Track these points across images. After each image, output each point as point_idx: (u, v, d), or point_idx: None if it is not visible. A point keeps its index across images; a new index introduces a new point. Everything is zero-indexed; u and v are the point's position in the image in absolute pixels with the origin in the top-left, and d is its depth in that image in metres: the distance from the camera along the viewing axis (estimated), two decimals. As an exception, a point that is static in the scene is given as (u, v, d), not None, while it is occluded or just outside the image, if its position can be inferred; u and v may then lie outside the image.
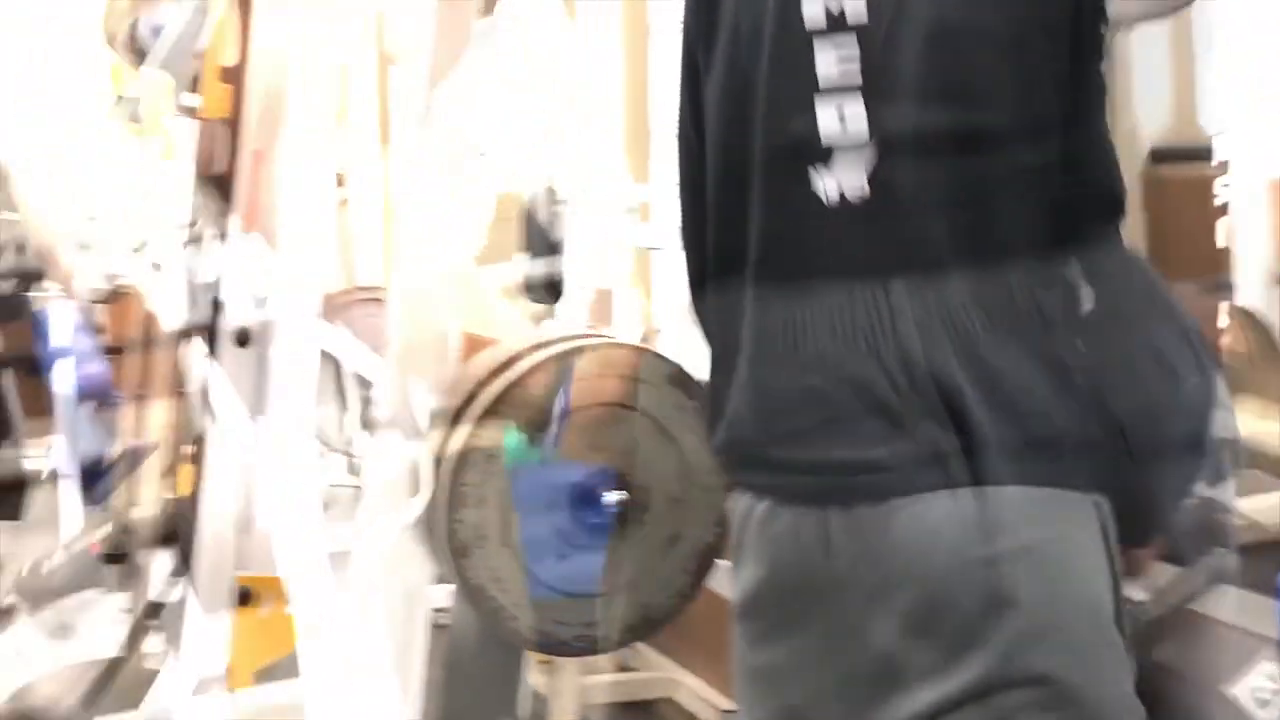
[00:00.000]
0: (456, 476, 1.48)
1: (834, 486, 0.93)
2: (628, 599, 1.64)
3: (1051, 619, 0.88)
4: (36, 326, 3.56)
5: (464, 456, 1.48)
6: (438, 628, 2.61)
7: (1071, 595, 0.89)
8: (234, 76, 1.54)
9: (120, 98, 1.71)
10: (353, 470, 2.86)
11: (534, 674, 2.53)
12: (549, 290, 2.36)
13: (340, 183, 4.80)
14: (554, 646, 1.63)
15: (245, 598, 1.67)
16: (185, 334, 1.64)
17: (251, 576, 1.75)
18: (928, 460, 0.88)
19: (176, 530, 1.70)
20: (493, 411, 1.49)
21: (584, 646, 1.64)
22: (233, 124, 1.54)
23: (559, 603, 1.61)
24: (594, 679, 2.71)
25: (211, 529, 1.62)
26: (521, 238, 2.48)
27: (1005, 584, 0.87)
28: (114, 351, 4.50)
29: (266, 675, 1.87)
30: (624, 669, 2.86)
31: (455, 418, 1.52)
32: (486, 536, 1.51)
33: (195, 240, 1.62)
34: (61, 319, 3.60)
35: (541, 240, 2.38)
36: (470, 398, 1.53)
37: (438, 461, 1.51)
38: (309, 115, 2.71)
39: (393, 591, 1.69)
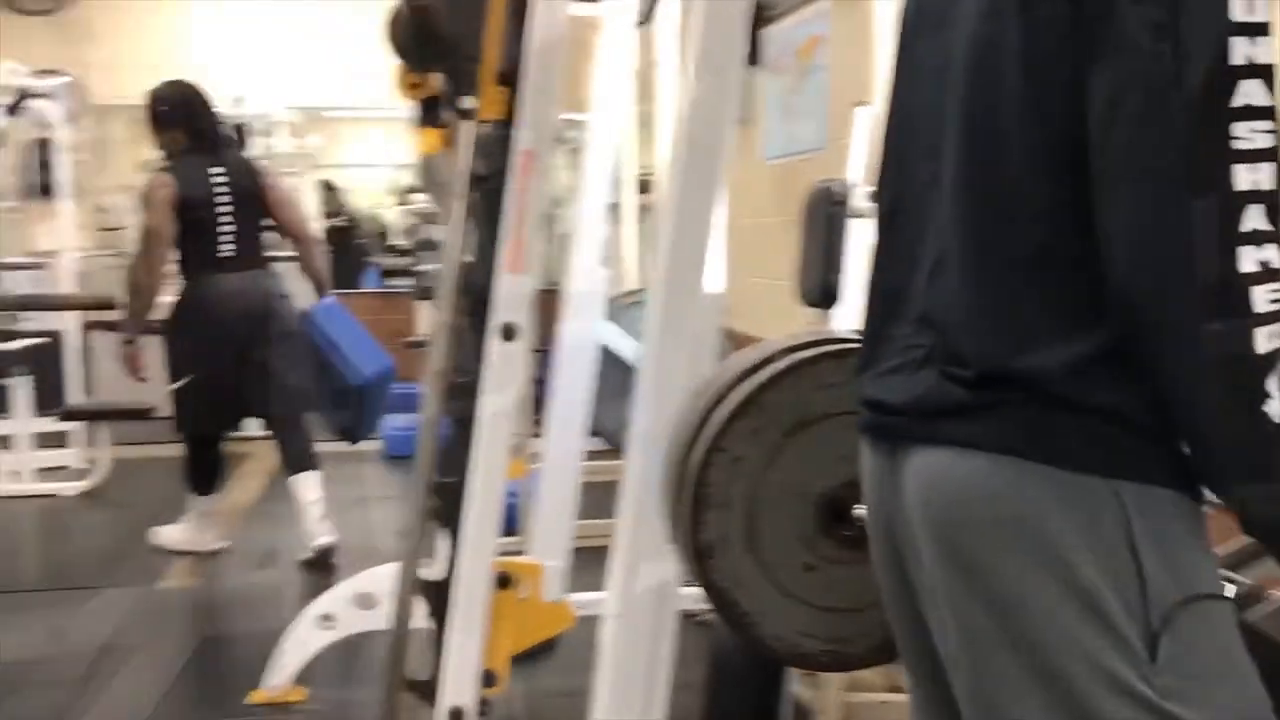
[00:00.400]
0: (701, 477, 1.47)
1: (879, 425, 1.05)
2: (877, 617, 1.57)
3: (1021, 593, 0.92)
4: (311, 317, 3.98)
5: (709, 458, 1.46)
6: (704, 625, 2.63)
7: (1043, 573, 0.91)
8: (510, 79, 1.60)
9: (417, 104, 1.82)
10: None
11: (799, 685, 2.49)
12: (823, 293, 2.31)
13: (647, 188, 4.94)
14: (798, 659, 1.58)
15: (505, 582, 1.74)
16: (458, 328, 1.72)
17: (512, 562, 1.83)
18: (940, 411, 0.96)
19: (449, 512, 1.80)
20: (739, 414, 1.47)
21: (830, 662, 1.57)
22: (507, 126, 1.60)
23: (807, 614, 1.56)
24: (860, 697, 2.63)
25: (476, 513, 1.70)
26: (800, 239, 2.45)
27: (978, 550, 0.94)
28: (416, 346, 4.86)
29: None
30: (896, 690, 2.75)
31: (704, 417, 1.51)
32: (729, 539, 1.49)
33: (465, 238, 1.70)
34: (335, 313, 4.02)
35: (818, 242, 2.33)
36: (719, 398, 1.51)
37: (684, 460, 1.50)
38: (607, 118, 2.80)
39: (644, 588, 1.70)
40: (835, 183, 2.38)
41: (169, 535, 4.15)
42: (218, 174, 3.90)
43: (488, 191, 1.62)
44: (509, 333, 1.64)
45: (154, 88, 4.04)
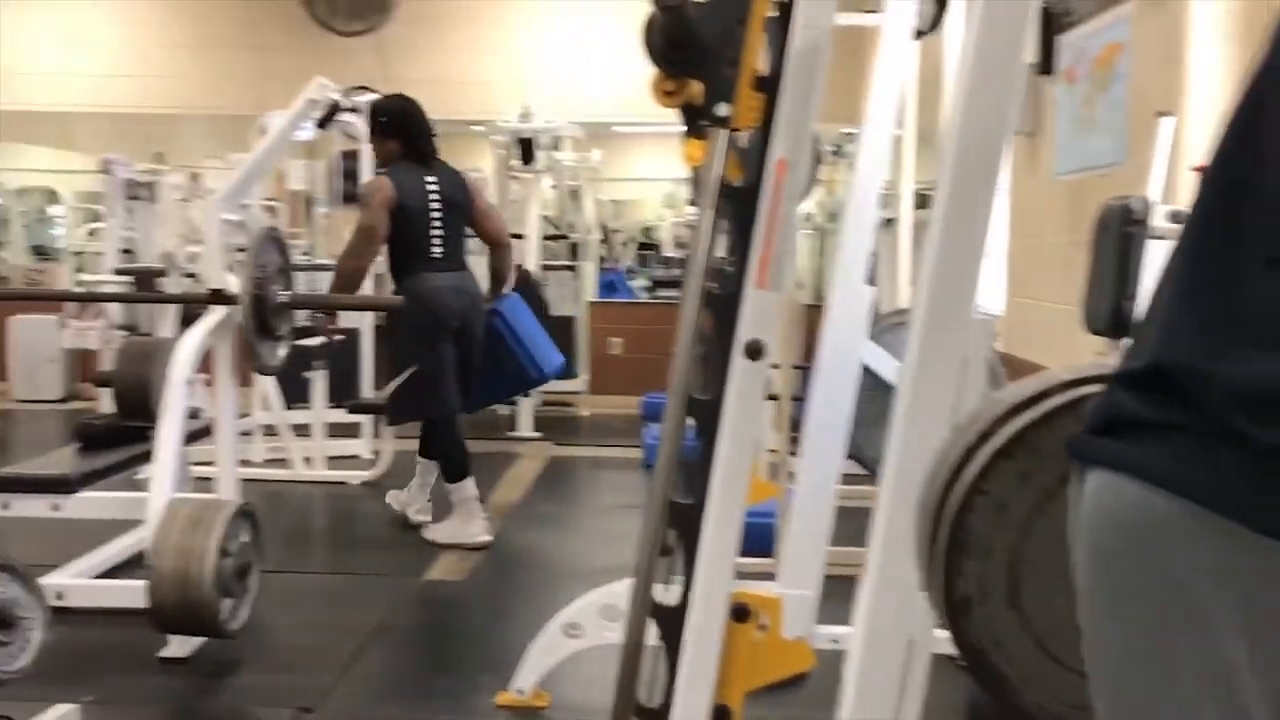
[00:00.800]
0: (959, 522, 1.32)
1: (1070, 445, 0.96)
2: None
3: (1148, 647, 0.83)
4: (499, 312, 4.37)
5: (969, 501, 1.32)
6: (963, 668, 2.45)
7: (1179, 627, 0.81)
8: (768, 86, 1.52)
9: (678, 112, 1.76)
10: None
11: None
12: (1114, 320, 2.08)
13: (926, 203, 4.74)
14: (1062, 731, 1.41)
15: (741, 614, 1.65)
16: (703, 342, 1.65)
17: (751, 593, 1.73)
18: (1106, 427, 0.87)
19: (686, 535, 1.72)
20: (1006, 454, 1.31)
21: (1098, 737, 1.39)
22: (763, 133, 1.52)
23: (1077, 683, 1.39)
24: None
25: (712, 540, 1.62)
26: (1090, 260, 2.22)
27: (1119, 589, 0.85)
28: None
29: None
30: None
31: (966, 455, 1.36)
32: (989, 593, 1.34)
33: (714, 251, 1.62)
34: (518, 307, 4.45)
35: (1110, 263, 2.11)
36: (985, 435, 1.36)
37: (941, 502, 1.36)
38: (879, 131, 2.66)
39: (892, 630, 1.58)
40: (1133, 200, 2.15)
41: (437, 530, 4.34)
42: (430, 182, 4.22)
43: (740, 202, 1.54)
44: (754, 351, 1.55)
45: (376, 100, 4.45)
